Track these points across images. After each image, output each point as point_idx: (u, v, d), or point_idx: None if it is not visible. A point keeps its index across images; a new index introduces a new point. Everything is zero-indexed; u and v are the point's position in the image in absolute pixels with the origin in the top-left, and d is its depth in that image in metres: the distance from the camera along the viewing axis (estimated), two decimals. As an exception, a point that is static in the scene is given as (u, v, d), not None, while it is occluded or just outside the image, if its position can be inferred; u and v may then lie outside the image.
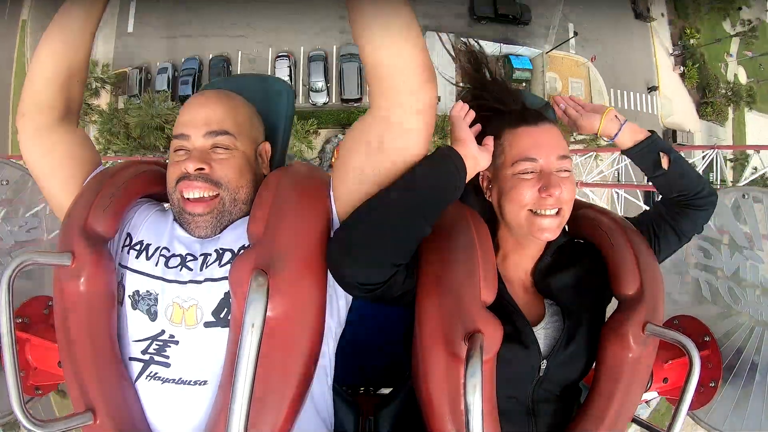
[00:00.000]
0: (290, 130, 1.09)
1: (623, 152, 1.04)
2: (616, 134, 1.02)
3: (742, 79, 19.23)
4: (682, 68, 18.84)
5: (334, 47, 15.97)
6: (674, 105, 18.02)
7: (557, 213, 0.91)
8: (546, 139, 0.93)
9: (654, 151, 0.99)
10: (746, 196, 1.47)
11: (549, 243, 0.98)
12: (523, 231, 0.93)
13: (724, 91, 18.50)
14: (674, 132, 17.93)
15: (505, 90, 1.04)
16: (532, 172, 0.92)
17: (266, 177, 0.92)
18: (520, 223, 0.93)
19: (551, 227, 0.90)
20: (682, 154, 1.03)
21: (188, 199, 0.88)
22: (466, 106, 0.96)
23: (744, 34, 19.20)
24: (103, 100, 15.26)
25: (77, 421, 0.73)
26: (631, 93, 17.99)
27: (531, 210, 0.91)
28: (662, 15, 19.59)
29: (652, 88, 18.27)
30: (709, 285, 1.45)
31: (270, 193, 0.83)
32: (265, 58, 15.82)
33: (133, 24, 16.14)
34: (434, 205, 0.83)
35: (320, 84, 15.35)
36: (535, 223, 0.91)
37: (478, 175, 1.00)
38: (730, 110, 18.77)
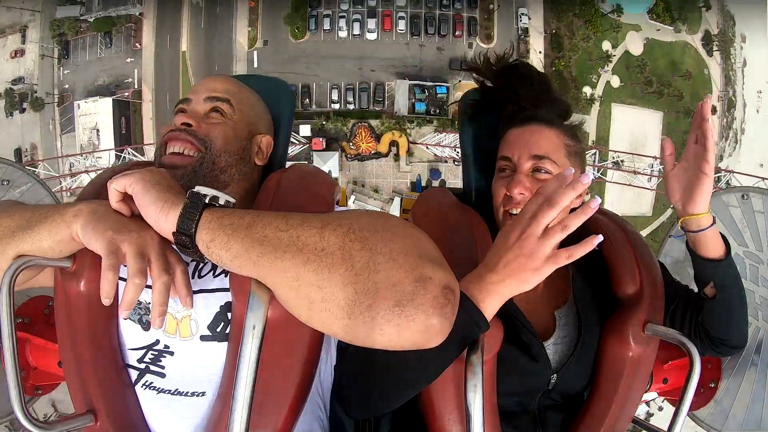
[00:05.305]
0: (290, 131, 1.09)
1: (694, 252, 0.89)
2: (703, 229, 0.87)
3: (615, 84, 20.25)
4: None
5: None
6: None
7: None
8: (525, 139, 0.91)
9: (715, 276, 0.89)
10: (746, 197, 1.47)
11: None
12: None
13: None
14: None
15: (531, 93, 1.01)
16: (506, 170, 0.92)
17: (267, 178, 0.91)
18: (499, 222, 0.94)
19: None
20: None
21: (169, 153, 0.87)
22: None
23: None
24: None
25: (78, 422, 0.73)
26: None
27: (507, 210, 0.91)
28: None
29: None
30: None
31: (270, 194, 0.82)
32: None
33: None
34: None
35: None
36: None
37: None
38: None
